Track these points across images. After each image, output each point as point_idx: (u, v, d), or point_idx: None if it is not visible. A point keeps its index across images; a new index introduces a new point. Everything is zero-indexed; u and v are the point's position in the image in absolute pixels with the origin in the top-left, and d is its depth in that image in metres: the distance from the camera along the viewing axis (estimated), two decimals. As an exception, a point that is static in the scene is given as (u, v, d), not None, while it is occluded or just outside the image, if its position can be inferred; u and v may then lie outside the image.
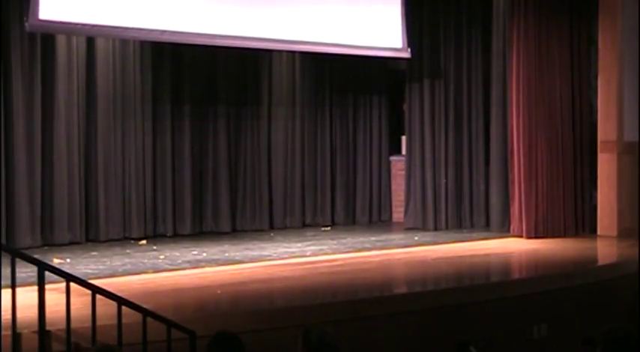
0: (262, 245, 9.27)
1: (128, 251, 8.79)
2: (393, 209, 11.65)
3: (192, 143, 10.10)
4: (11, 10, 8.74)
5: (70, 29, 8.58)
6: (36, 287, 5.13)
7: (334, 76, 11.15)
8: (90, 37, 9.21)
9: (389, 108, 11.64)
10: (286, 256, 8.51)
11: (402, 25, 10.26)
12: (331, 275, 7.54)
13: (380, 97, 11.56)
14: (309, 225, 10.91)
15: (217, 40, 9.20)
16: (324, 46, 9.88)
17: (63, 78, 9.20)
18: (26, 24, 8.15)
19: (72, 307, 5.13)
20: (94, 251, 8.74)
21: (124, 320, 5.20)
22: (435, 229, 10.56)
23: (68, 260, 8.05)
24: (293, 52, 10.59)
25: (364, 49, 10.19)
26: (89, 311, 5.15)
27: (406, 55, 10.39)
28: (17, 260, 5.11)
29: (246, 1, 9.29)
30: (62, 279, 5.20)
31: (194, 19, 8.97)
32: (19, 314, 5.09)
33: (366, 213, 11.47)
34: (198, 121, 10.15)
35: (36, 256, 5.45)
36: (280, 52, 10.54)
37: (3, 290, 5.09)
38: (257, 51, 10.02)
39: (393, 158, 11.65)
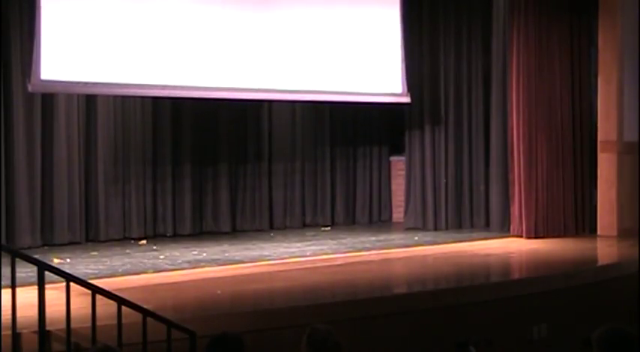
0: (262, 245, 9.27)
1: (128, 251, 8.79)
2: (393, 209, 11.64)
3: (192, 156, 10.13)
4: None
5: (71, 88, 8.54)
6: (36, 287, 5.13)
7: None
8: (91, 95, 9.17)
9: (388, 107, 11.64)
10: (286, 256, 8.50)
11: (402, 70, 10.26)
12: (331, 275, 7.54)
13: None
14: (309, 225, 10.89)
15: (217, 93, 9.20)
16: (324, 94, 9.92)
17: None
18: (28, 85, 8.13)
19: (72, 307, 5.13)
20: (94, 251, 8.74)
21: (124, 320, 5.19)
22: (435, 229, 10.56)
23: (68, 260, 8.05)
24: (293, 102, 10.59)
25: (364, 96, 10.20)
26: (89, 311, 5.15)
27: (406, 99, 10.38)
28: (17, 260, 5.11)
29: (244, 53, 9.27)
30: (62, 279, 5.19)
31: (193, 73, 8.98)
32: (19, 314, 5.08)
33: (366, 213, 11.46)
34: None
35: (36, 256, 5.45)
36: (280, 102, 10.50)
37: (3, 290, 5.09)
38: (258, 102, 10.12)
39: (393, 158, 11.64)
